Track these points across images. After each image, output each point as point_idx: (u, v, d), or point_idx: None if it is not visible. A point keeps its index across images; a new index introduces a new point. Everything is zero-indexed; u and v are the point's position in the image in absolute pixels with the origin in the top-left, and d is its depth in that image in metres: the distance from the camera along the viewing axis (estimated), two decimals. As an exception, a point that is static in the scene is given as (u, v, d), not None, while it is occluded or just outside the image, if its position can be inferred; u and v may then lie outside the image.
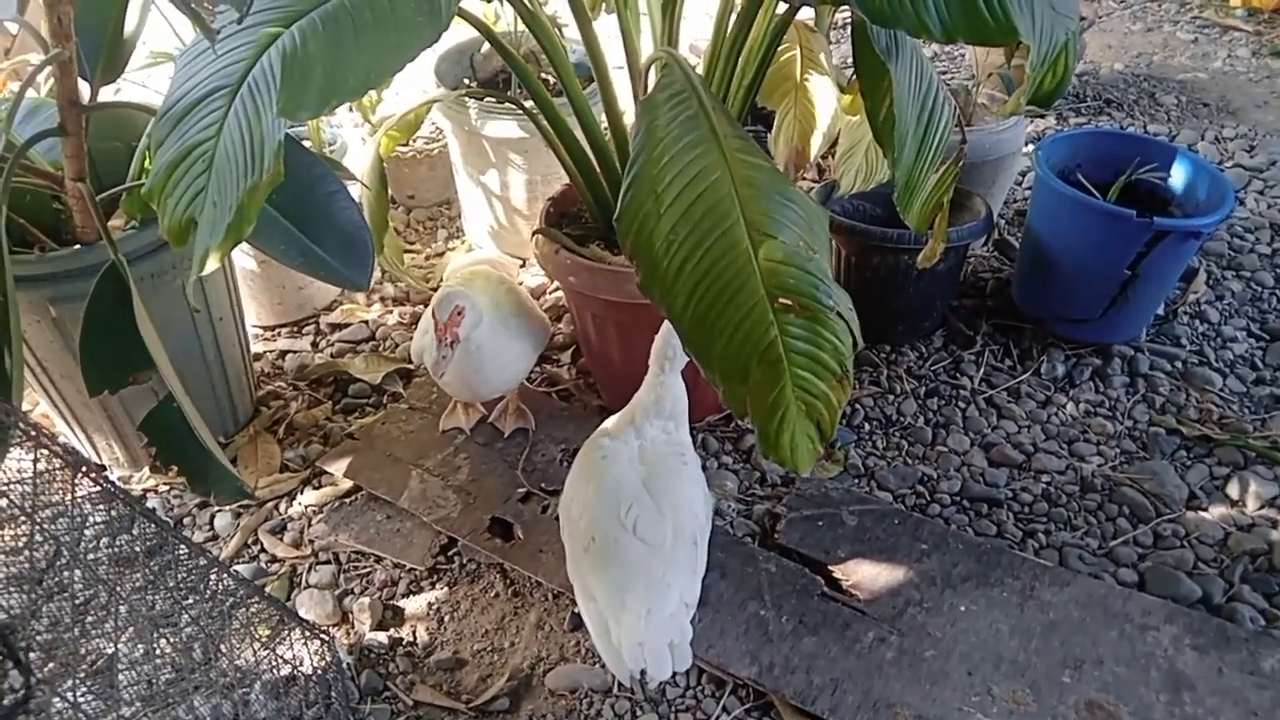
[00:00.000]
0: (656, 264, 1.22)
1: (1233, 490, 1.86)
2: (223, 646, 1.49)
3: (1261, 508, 1.82)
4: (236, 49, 1.23)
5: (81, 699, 1.47)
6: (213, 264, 1.12)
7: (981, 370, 2.19)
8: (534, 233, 1.89)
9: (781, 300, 1.19)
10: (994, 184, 2.45)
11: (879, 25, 1.20)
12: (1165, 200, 2.21)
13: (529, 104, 1.87)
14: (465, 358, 1.70)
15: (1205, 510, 1.82)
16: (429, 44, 1.23)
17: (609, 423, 1.57)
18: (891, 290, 2.17)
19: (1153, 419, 2.04)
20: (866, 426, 2.06)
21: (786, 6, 1.67)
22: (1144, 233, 1.96)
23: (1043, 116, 3.32)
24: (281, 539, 1.85)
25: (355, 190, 1.73)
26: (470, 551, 1.79)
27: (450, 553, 1.80)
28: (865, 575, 1.68)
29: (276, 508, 1.91)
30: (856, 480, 1.93)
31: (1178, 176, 2.20)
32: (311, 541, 1.83)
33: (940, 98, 1.65)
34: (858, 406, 2.10)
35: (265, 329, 2.41)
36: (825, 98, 2.15)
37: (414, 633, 1.67)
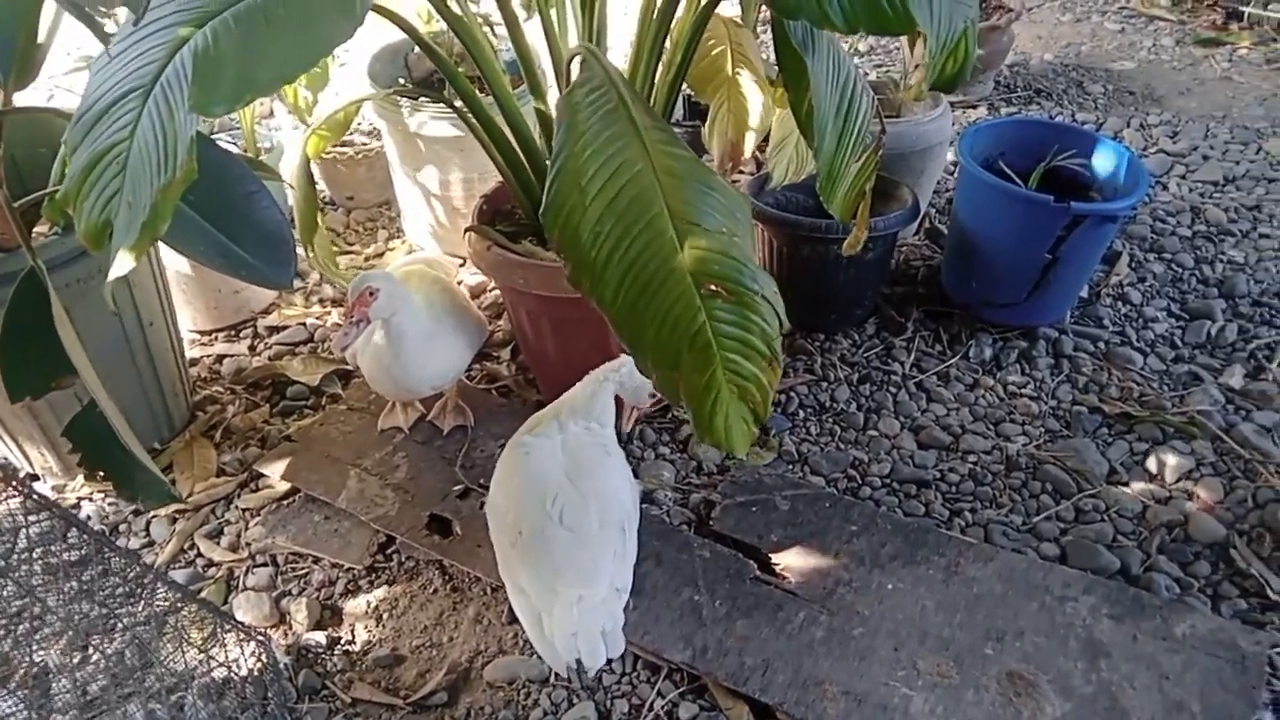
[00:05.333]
0: (584, 256, 1.24)
1: (1151, 465, 1.92)
2: (157, 652, 1.48)
3: (1178, 480, 1.88)
4: (150, 50, 1.23)
5: (13, 709, 1.46)
6: (128, 264, 1.12)
7: (912, 356, 2.24)
8: (466, 230, 1.90)
9: (708, 286, 1.22)
10: (923, 174, 2.50)
11: (785, 16, 1.23)
12: (1086, 186, 2.27)
13: (459, 103, 1.88)
14: (384, 343, 1.71)
15: (1125, 485, 1.88)
16: (344, 39, 1.24)
17: (533, 419, 1.59)
18: (823, 279, 2.21)
19: (1076, 398, 2.10)
20: (801, 413, 2.10)
21: (705, 1, 1.70)
22: (1062, 217, 2.01)
23: (974, 107, 3.39)
24: (218, 543, 1.84)
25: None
26: (409, 549, 1.80)
27: (389, 551, 1.81)
28: (797, 558, 1.71)
29: (213, 512, 1.91)
30: (790, 466, 1.96)
31: (1098, 163, 2.26)
32: (248, 544, 1.83)
33: (858, 89, 1.68)
34: (792, 394, 2.14)
35: (202, 334, 2.39)
36: (756, 92, 2.19)
37: (352, 631, 1.68)
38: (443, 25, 2.41)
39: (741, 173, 2.75)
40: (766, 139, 2.25)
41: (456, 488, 1.87)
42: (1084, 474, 1.90)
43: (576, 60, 1.59)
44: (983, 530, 1.80)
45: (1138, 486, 1.88)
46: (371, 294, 1.65)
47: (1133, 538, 1.77)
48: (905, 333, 2.31)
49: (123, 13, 1.24)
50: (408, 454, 1.97)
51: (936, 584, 1.65)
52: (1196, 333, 2.25)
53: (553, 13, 1.80)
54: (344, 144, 2.87)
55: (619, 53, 1.75)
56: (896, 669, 1.51)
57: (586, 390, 1.57)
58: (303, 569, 1.79)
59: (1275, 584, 1.66)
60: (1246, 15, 3.98)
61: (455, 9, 1.97)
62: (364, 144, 2.88)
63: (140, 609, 1.53)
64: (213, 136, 2.77)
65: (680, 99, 2.95)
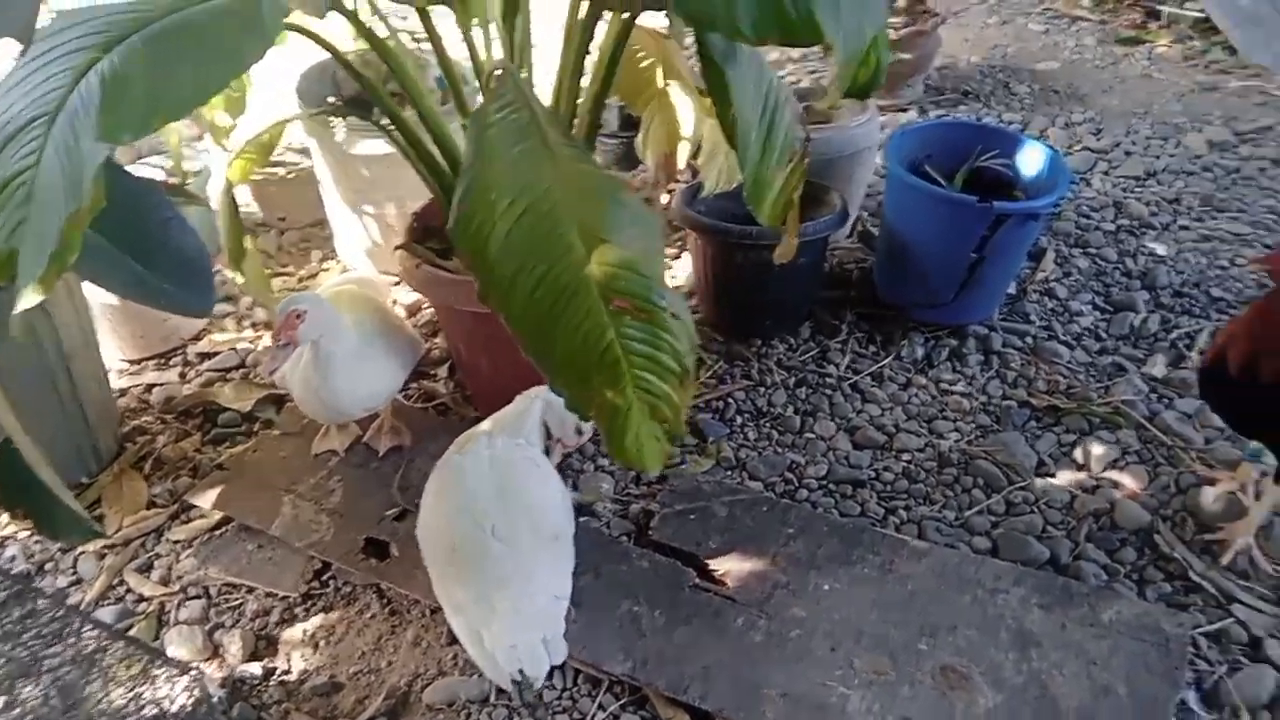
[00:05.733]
0: (492, 272, 1.24)
1: (1079, 455, 1.96)
2: (83, 694, 1.45)
3: (1105, 470, 1.92)
4: (55, 76, 1.21)
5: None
6: (36, 295, 1.10)
7: (847, 358, 2.27)
8: (396, 248, 1.89)
9: (617, 303, 1.22)
10: (852, 178, 2.54)
11: (699, 29, 1.25)
12: (1011, 185, 2.31)
13: (384, 121, 1.87)
14: (313, 366, 1.69)
15: (1053, 476, 1.92)
16: (255, 59, 1.24)
17: (461, 438, 1.59)
18: (757, 286, 2.23)
19: (1005, 393, 2.13)
20: (739, 419, 2.11)
21: (626, 15, 1.71)
22: (986, 217, 2.05)
23: (905, 110, 3.44)
24: (148, 577, 1.81)
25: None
26: (345, 574, 1.78)
27: (324, 577, 1.79)
28: (735, 563, 1.72)
29: (143, 545, 1.87)
30: (729, 472, 1.97)
31: (1021, 162, 2.31)
32: (180, 577, 1.80)
33: (781, 98, 1.70)
34: (730, 400, 2.15)
35: (131, 363, 2.35)
36: (687, 102, 2.20)
37: (288, 661, 1.65)
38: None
39: (678, 182, 2.77)
40: (699, 149, 2.27)
41: (393, 509, 1.86)
42: (1014, 467, 1.93)
43: (491, 76, 1.60)
44: (917, 527, 1.82)
45: (1066, 477, 1.92)
46: (298, 316, 1.63)
47: (1061, 528, 1.81)
48: (840, 335, 2.34)
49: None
50: (343, 477, 1.95)
51: (872, 582, 1.66)
52: (1120, 325, 2.31)
53: (478, 30, 1.80)
54: (275, 164, 2.84)
55: (550, 69, 1.75)
56: (834, 669, 1.52)
57: (516, 408, 1.57)
58: (236, 600, 1.76)
59: (1198, 566, 1.70)
60: (1164, 14, 4.10)
61: (381, 27, 1.97)
62: (295, 163, 2.85)
63: (66, 650, 1.50)
64: (141, 160, 2.74)
65: (616, 112, 2.97)
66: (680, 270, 2.59)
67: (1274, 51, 3.71)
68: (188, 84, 1.18)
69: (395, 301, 2.50)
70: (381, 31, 1.98)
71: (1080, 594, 1.62)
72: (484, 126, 1.29)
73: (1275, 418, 1.54)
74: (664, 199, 2.67)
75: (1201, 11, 3.91)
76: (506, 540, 1.43)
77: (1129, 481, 1.89)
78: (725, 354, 2.29)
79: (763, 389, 2.19)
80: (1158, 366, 2.17)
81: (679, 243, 2.66)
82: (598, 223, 1.25)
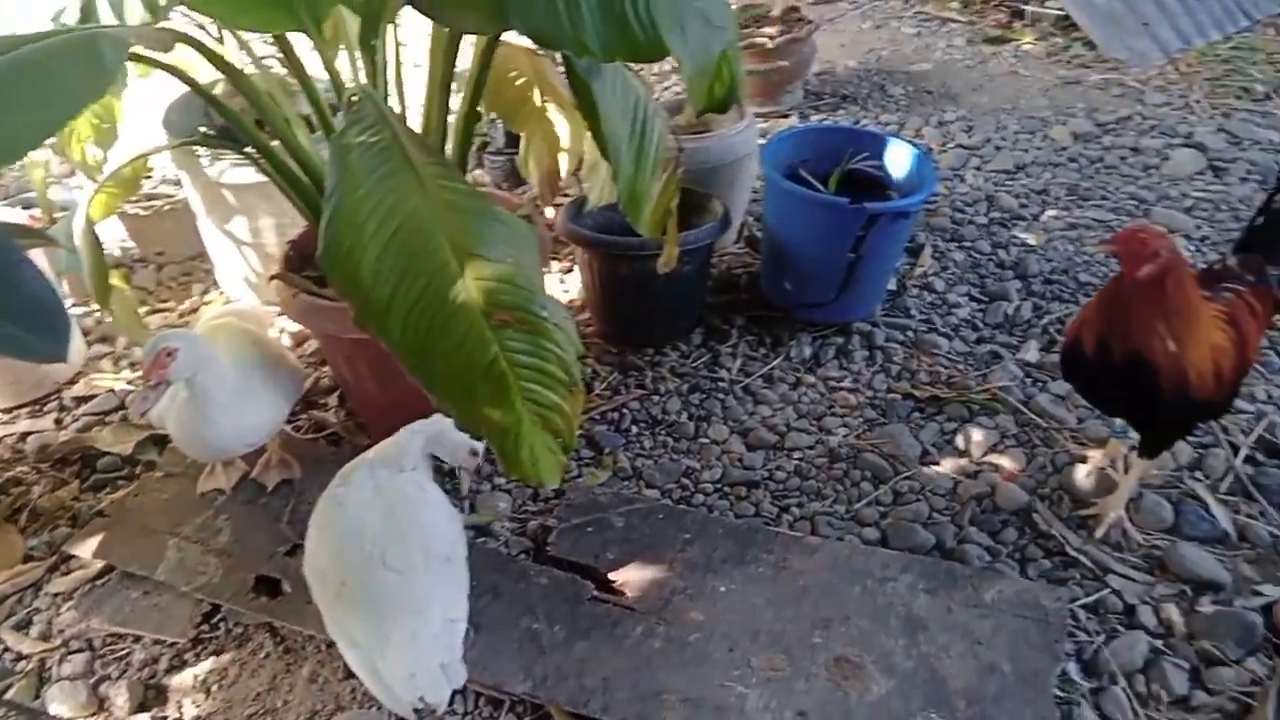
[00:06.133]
0: (367, 296, 1.23)
1: (960, 442, 2.03)
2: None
3: (985, 454, 2.00)
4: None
5: None
6: None
7: (738, 361, 2.30)
8: (271, 277, 1.85)
9: (498, 316, 1.22)
10: (734, 184, 2.58)
11: (545, 47, 1.26)
12: (884, 186, 2.39)
13: (250, 149, 1.84)
14: (190, 405, 1.65)
15: (938, 464, 1.99)
16: (94, 97, 1.22)
17: (343, 471, 1.56)
18: (645, 295, 2.25)
19: (890, 387, 2.20)
20: (634, 429, 2.13)
21: (488, 36, 1.71)
22: (859, 217, 2.11)
23: (786, 116, 3.52)
24: (27, 634, 1.73)
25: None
26: (236, 615, 1.74)
27: (214, 620, 1.74)
28: (633, 573, 1.73)
29: (20, 601, 1.79)
30: (625, 482, 1.99)
31: (891, 163, 2.38)
32: (61, 631, 1.73)
33: (649, 111, 1.73)
34: (625, 411, 2.17)
35: (3, 411, 2.25)
36: (565, 119, 2.22)
37: (179, 708, 1.60)
38: (244, 69, 2.37)
39: (567, 195, 2.78)
40: (582, 162, 2.28)
41: (284, 545, 1.82)
42: (899, 458, 1.99)
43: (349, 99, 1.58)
44: (810, 523, 1.86)
45: (949, 464, 1.98)
46: (169, 355, 1.59)
47: (946, 513, 1.87)
48: (730, 339, 2.38)
49: None
50: (231, 515, 1.90)
51: (766, 581, 1.69)
52: (995, 314, 2.40)
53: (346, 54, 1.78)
54: (148, 197, 2.76)
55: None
56: (731, 669, 1.54)
57: (397, 440, 1.56)
58: (122, 650, 1.70)
59: (1074, 541, 1.78)
60: (1028, 13, 4.28)
61: (243, 56, 1.94)
62: (171, 196, 2.77)
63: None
64: (5, 201, 2.63)
65: (502, 129, 2.97)
66: (572, 284, 2.60)
67: (1129, 45, 3.92)
68: (24, 126, 1.14)
69: (281, 331, 2.45)
70: (246, 60, 1.96)
71: (964, 576, 1.67)
72: (344, 151, 1.27)
73: (1131, 396, 1.62)
74: (551, 214, 2.67)
75: (1062, 10, 4.10)
76: (399, 567, 1.41)
77: (1008, 464, 1.96)
78: (619, 365, 2.30)
79: (657, 397, 2.21)
80: (1031, 352, 2.26)
81: (570, 257, 2.67)
82: (471, 239, 1.25)
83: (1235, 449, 1.96)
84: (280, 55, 1.67)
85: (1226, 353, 1.59)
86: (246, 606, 1.71)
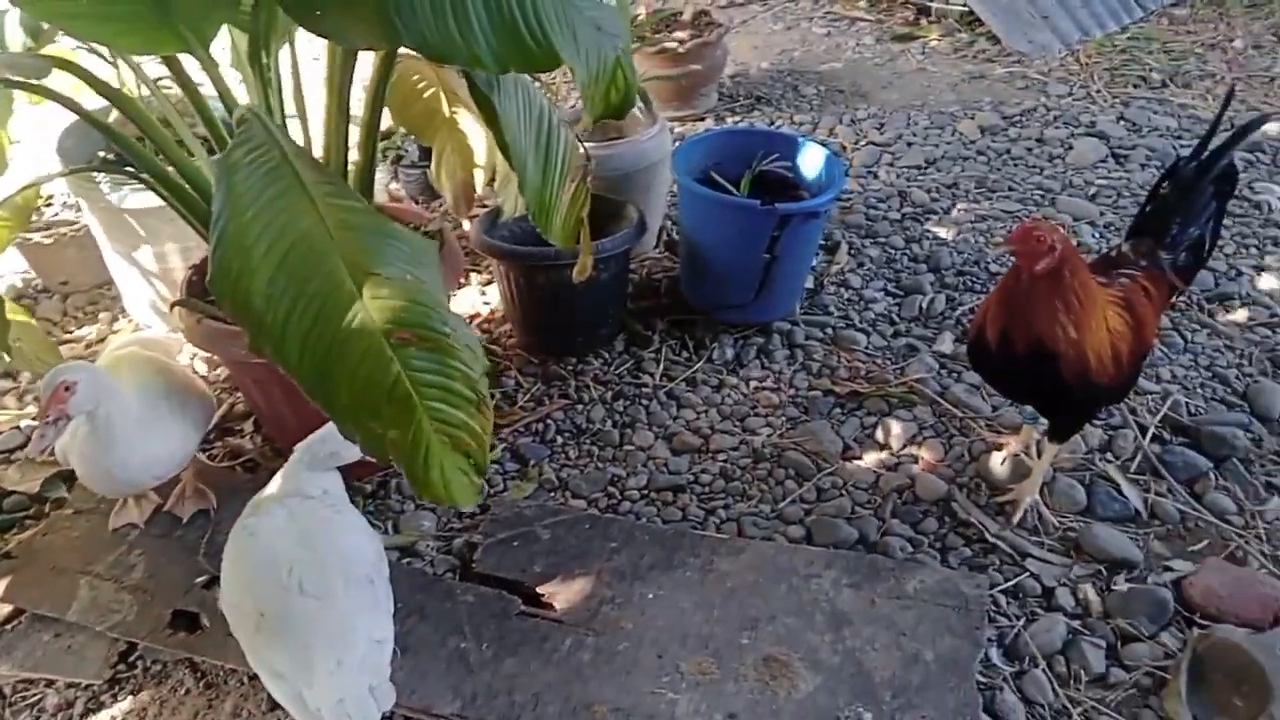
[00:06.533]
0: (261, 321, 1.20)
1: (880, 436, 2.06)
2: None
3: (904, 447, 2.03)
4: None
5: None
6: None
7: (661, 366, 2.31)
8: (173, 304, 1.81)
9: (399, 335, 1.20)
10: (650, 190, 2.59)
11: (438, 62, 1.24)
12: (796, 186, 2.42)
13: (145, 175, 1.79)
14: (93, 439, 1.60)
15: (859, 458, 2.02)
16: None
17: (253, 501, 1.53)
18: (563, 305, 2.24)
19: (811, 384, 2.22)
20: (559, 440, 2.12)
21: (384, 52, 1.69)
22: (770, 219, 2.13)
23: (702, 119, 3.54)
24: (-70, 687, 1.66)
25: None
26: (154, 652, 1.69)
27: (131, 659, 1.69)
28: (561, 585, 1.72)
29: (-79, 654, 1.71)
30: (551, 494, 1.98)
31: (802, 163, 2.41)
32: (-34, 682, 1.66)
33: (554, 121, 1.72)
34: (549, 421, 2.16)
35: (-103, 456, 2.15)
36: (477, 129, 2.20)
37: (96, 753, 1.55)
38: (140, 91, 2.30)
39: (484, 206, 2.76)
40: (495, 173, 2.27)
41: (201, 577, 1.77)
42: (822, 454, 2.01)
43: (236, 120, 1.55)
44: (736, 524, 1.87)
45: (870, 458, 2.01)
46: (68, 389, 1.54)
47: (868, 507, 1.89)
48: (653, 344, 2.38)
49: None
50: (145, 550, 1.84)
51: (694, 585, 1.70)
52: (911, 307, 2.45)
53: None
54: (49, 225, 2.67)
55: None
56: (661, 676, 1.54)
57: (290, 463, 1.52)
58: (34, 695, 1.64)
59: (993, 528, 1.82)
60: (934, 10, 4.37)
61: (133, 80, 1.88)
62: (72, 223, 2.68)
63: None
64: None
65: (415, 144, 2.94)
66: (494, 296, 2.58)
67: (1030, 38, 4.03)
68: None
69: (193, 357, 2.39)
70: (135, 81, 1.90)
71: (886, 569, 1.70)
72: (230, 173, 1.25)
73: (1036, 384, 1.66)
74: (468, 225, 2.65)
75: (966, 6, 4.20)
76: (318, 593, 1.38)
77: (927, 455, 2.00)
78: (542, 375, 2.29)
79: (581, 406, 2.21)
80: (946, 343, 2.31)
81: (490, 269, 2.65)
82: (367, 258, 1.23)
83: (1143, 429, 2.02)
84: (172, 76, 1.62)
85: (1124, 337, 1.64)
86: (164, 643, 1.66)
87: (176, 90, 1.86)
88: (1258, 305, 2.43)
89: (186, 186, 1.71)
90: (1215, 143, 1.71)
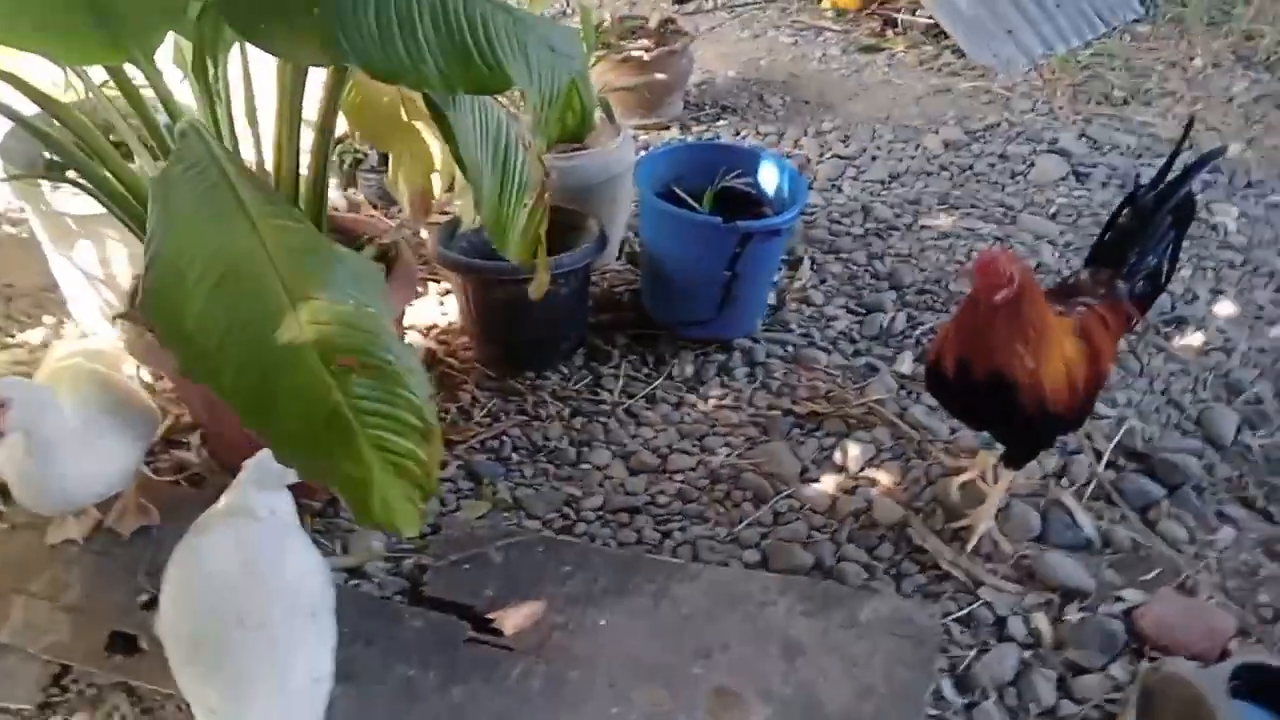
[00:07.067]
0: (193, 345, 1.17)
1: (838, 457, 2.05)
2: None
3: (862, 469, 2.02)
4: None
5: None
6: None
7: (621, 382, 2.28)
8: (115, 317, 1.75)
9: (340, 361, 1.16)
10: (613, 202, 2.56)
11: (385, 81, 1.21)
12: (758, 202, 2.40)
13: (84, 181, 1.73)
14: (27, 456, 1.55)
15: (817, 481, 2.00)
16: None
17: (200, 520, 1.49)
18: (521, 319, 2.21)
19: (771, 403, 2.21)
20: (514, 457, 2.09)
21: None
22: (733, 236, 2.12)
23: (667, 128, 3.51)
24: None
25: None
26: (89, 676, 1.63)
27: (65, 681, 1.63)
28: (512, 610, 1.69)
29: None
30: (505, 514, 1.94)
31: (764, 179, 2.40)
32: (-110, 708, 1.59)
33: (512, 137, 1.69)
34: (505, 438, 2.12)
35: None
36: (435, 137, 2.16)
37: (25, 783, 1.50)
38: (81, 95, 2.23)
39: (445, 213, 2.72)
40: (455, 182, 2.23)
41: (142, 597, 1.72)
42: (780, 476, 2.00)
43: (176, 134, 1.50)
44: (692, 548, 1.85)
45: (828, 481, 2.00)
46: (2, 405, 1.48)
47: (825, 531, 1.88)
48: (612, 360, 2.35)
49: None
50: (83, 568, 1.79)
51: (647, 611, 1.68)
52: (872, 325, 2.44)
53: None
54: (-8, 226, 2.60)
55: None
56: (612, 707, 1.52)
57: (233, 488, 1.48)
58: (-39, 724, 1.58)
59: (948, 555, 1.81)
60: (900, 22, 4.38)
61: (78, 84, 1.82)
62: (16, 224, 2.61)
63: None
64: None
65: (374, 148, 2.88)
66: (451, 307, 2.54)
67: (995, 52, 4.05)
68: None
69: (139, 367, 2.32)
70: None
71: (841, 596, 1.69)
72: (167, 190, 1.20)
73: (993, 411, 1.66)
74: (426, 235, 2.61)
75: (932, 19, 4.21)
76: (256, 625, 1.34)
77: (884, 478, 1.99)
78: (499, 390, 2.26)
79: (538, 423, 2.17)
80: (905, 364, 2.30)
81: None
82: (307, 281, 1.20)
83: (1099, 455, 2.03)
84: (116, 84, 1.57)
85: (1081, 366, 1.64)
86: (100, 666, 1.62)
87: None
88: (1213, 330, 2.45)
89: (129, 196, 1.66)
90: (1177, 170, 1.72)
